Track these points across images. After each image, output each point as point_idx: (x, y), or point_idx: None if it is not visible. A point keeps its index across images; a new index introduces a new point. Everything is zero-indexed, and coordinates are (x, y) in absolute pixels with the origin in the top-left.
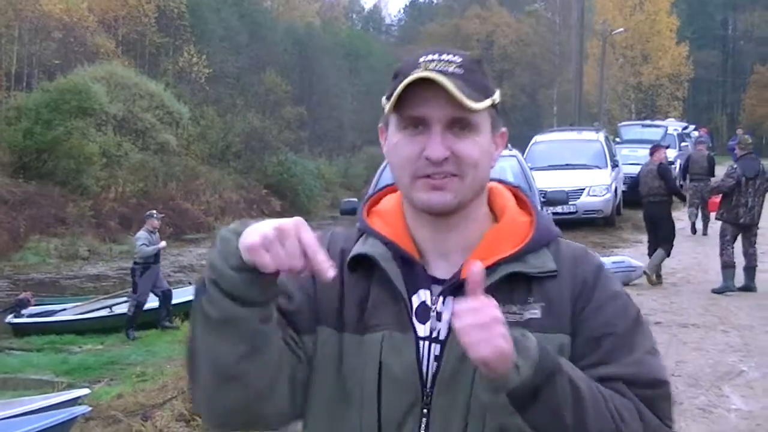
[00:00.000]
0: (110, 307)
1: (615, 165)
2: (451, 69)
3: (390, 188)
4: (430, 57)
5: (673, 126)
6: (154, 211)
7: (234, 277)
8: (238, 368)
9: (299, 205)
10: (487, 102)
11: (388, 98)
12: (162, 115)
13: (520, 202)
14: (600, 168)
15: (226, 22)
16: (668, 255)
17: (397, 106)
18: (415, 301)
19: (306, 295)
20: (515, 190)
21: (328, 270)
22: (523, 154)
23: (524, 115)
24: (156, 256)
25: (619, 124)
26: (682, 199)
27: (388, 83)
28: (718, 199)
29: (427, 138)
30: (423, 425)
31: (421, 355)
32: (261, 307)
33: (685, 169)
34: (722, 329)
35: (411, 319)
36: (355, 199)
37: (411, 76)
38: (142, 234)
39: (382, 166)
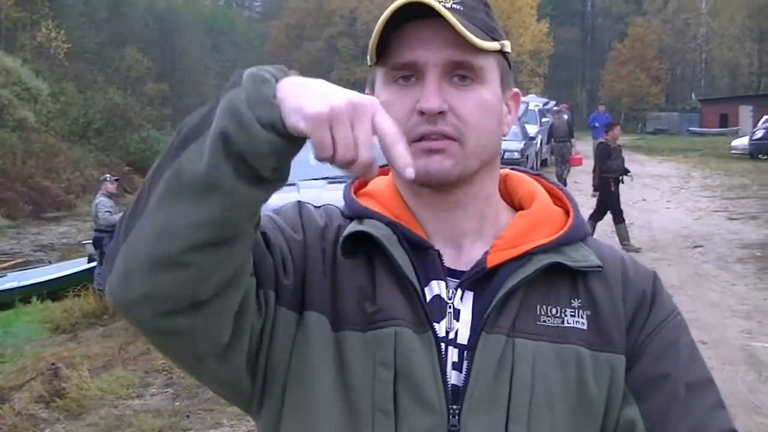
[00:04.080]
0: None
1: None
2: (448, 4)
3: (378, 170)
4: None
5: (534, 102)
6: (108, 175)
7: (260, 136)
8: (192, 255)
9: None
10: (495, 44)
11: (376, 51)
12: (19, 92)
13: (548, 192)
14: None
15: None
16: (623, 221)
17: (383, 55)
18: (428, 294)
19: (294, 264)
20: (538, 178)
21: (407, 167)
22: None
23: None
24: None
25: None
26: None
27: (251, 60)
28: (578, 156)
29: (421, 90)
30: None
31: (444, 363)
32: (260, 192)
33: (550, 135)
34: None
35: (428, 315)
36: None
37: (392, 5)
38: (102, 200)
39: None
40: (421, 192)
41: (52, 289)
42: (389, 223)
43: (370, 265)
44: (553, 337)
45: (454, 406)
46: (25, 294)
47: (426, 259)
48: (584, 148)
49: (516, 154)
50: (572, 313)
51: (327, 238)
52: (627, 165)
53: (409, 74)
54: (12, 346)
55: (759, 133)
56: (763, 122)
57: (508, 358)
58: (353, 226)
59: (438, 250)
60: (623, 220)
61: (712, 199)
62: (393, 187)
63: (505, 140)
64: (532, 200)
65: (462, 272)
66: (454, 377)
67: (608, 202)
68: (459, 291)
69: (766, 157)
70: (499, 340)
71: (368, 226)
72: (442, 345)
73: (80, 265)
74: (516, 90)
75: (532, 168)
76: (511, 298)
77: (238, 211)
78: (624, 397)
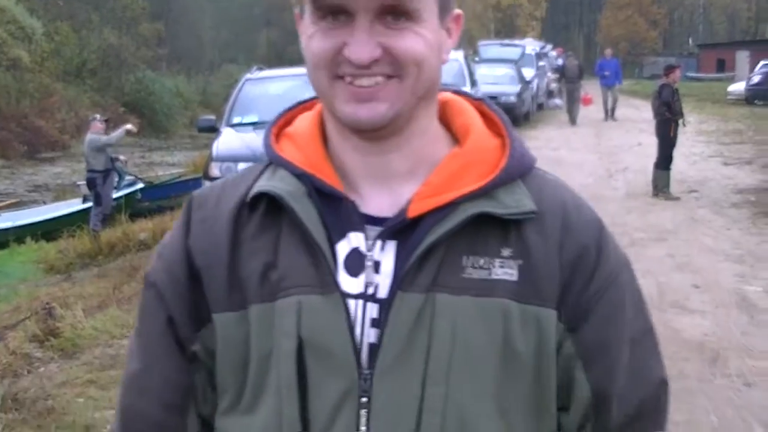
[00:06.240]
0: None
1: (474, 84)
2: None
3: (306, 104)
4: None
5: (531, 46)
6: (98, 115)
7: None
8: None
9: (157, 124)
10: None
11: None
12: (13, 31)
13: (488, 120)
14: (459, 86)
15: None
16: (666, 169)
17: None
18: (344, 248)
19: (181, 284)
20: (479, 104)
21: None
22: None
23: None
24: (112, 161)
25: (479, 44)
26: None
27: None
28: (588, 96)
29: (350, 32)
30: (363, 420)
31: (353, 322)
32: None
33: (561, 76)
34: None
35: (334, 274)
36: (213, 117)
37: None
38: (93, 137)
39: (240, 83)
40: (349, 136)
41: (47, 230)
42: (301, 175)
43: (278, 227)
44: (479, 290)
45: (366, 371)
46: (19, 234)
47: (341, 210)
48: (592, 90)
49: (512, 97)
50: (501, 264)
51: (222, 215)
52: (624, 110)
53: (338, 11)
54: (6, 285)
55: (756, 79)
56: (760, 68)
57: (427, 315)
58: (261, 183)
59: (353, 200)
60: (669, 169)
61: (708, 144)
62: (315, 126)
63: (501, 84)
64: (467, 134)
65: (387, 219)
66: (372, 335)
67: (663, 145)
68: (380, 241)
69: (762, 102)
70: (416, 298)
71: (276, 180)
72: (359, 302)
73: (75, 205)
74: (458, 11)
75: (528, 113)
76: (433, 250)
77: None
78: (571, 359)
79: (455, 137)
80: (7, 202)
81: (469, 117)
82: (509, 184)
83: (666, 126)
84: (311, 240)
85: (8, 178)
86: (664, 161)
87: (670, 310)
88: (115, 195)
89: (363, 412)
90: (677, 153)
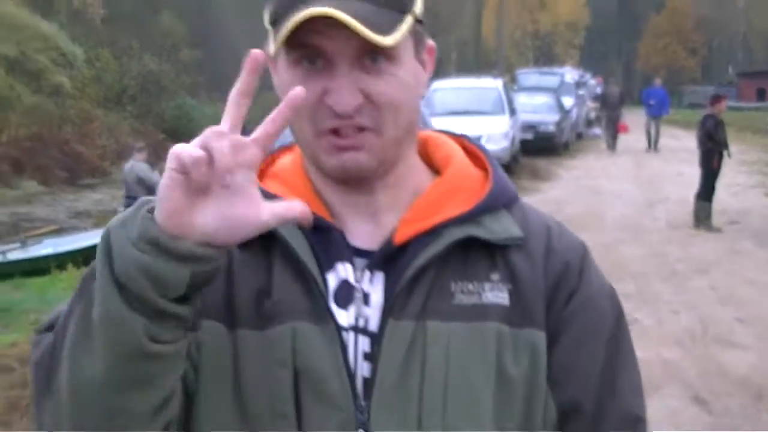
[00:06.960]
0: (3, 253)
1: (513, 112)
2: None
3: (284, 148)
4: None
5: (570, 74)
6: (142, 143)
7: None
8: (125, 399)
9: None
10: (406, 24)
11: (272, 23)
12: (55, 57)
13: (470, 154)
14: (498, 115)
15: None
16: (708, 200)
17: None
18: (333, 280)
19: None
20: (461, 140)
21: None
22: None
23: None
24: (152, 189)
25: (517, 72)
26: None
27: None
28: (624, 124)
29: (330, 78)
30: None
31: (347, 355)
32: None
33: (603, 102)
34: (616, 277)
35: (328, 306)
36: None
37: (296, 14)
38: (141, 165)
39: None
40: (332, 182)
41: (88, 256)
42: None
43: (269, 256)
44: (470, 315)
45: (364, 402)
46: (60, 261)
47: (330, 241)
48: (632, 119)
49: (551, 126)
50: (491, 288)
51: None
52: (664, 139)
53: (315, 55)
54: (48, 312)
55: None
56: None
57: (419, 343)
58: None
59: (341, 231)
60: (711, 200)
61: (749, 175)
62: (299, 164)
63: (540, 113)
64: (447, 165)
65: (374, 252)
66: (366, 369)
67: (707, 176)
68: (368, 273)
69: None
70: (407, 327)
71: None
72: (351, 334)
73: None
74: (431, 43)
75: (567, 142)
76: (422, 277)
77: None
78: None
79: (436, 170)
80: (48, 229)
81: (450, 149)
82: (495, 212)
83: (710, 157)
84: (305, 271)
85: (50, 205)
86: (706, 192)
87: (713, 344)
88: None
89: None
90: (718, 184)
